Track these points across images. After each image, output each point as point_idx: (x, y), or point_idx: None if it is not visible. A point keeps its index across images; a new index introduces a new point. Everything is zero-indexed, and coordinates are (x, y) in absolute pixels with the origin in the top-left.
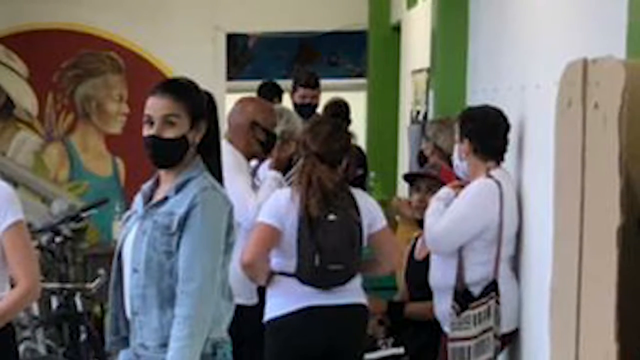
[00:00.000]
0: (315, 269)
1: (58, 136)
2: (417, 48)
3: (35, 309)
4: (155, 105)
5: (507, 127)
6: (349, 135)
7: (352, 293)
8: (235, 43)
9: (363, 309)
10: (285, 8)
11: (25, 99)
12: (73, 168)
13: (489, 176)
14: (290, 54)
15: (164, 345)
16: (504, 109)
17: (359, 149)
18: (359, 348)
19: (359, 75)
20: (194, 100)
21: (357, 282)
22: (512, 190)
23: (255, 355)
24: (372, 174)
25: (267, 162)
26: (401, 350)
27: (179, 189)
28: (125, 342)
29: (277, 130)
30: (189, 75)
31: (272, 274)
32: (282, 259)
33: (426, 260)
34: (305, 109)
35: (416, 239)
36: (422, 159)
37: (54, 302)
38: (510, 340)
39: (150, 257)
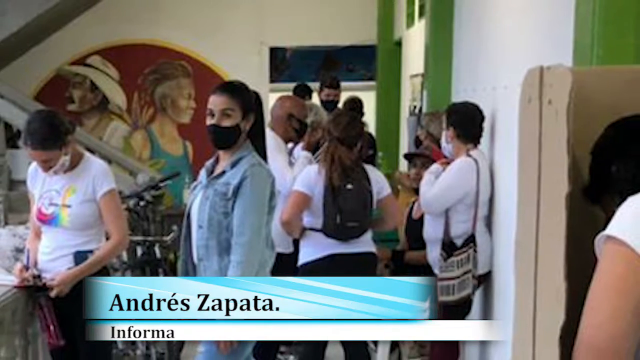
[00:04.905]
0: (337, 225)
1: (142, 125)
2: (414, 58)
3: (124, 256)
4: (216, 101)
5: (482, 118)
6: (362, 124)
7: (365, 244)
8: (276, 54)
9: (373, 256)
10: (314, 28)
11: (117, 97)
12: (153, 149)
13: (469, 155)
14: (318, 62)
15: None
16: (480, 104)
17: (370, 134)
18: None
19: (370, 79)
20: (245, 98)
21: (368, 235)
22: (486, 166)
23: None
24: (380, 154)
25: (300, 145)
26: None
27: (233, 165)
28: None
29: (308, 120)
30: (240, 78)
31: (304, 230)
32: (312, 218)
33: (421, 219)
34: (329, 105)
35: (413, 203)
36: (417, 142)
37: (139, 251)
38: (485, 280)
39: (211, 216)
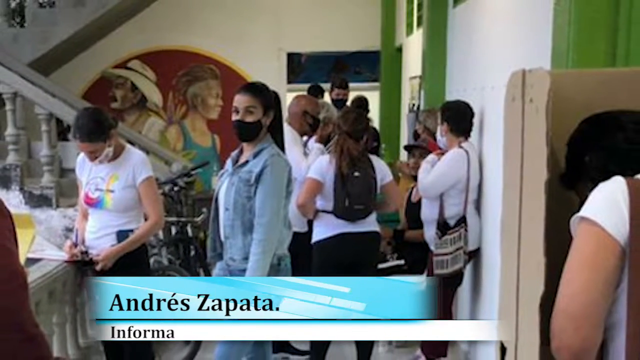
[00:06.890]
0: (345, 208)
1: (176, 120)
2: (413, 62)
3: (160, 234)
4: (240, 100)
5: (472, 115)
6: (368, 120)
7: (370, 224)
8: (293, 59)
9: (377, 234)
10: (326, 36)
11: (154, 96)
12: (186, 142)
13: (460, 147)
14: (329, 66)
15: (246, 258)
16: (470, 103)
17: (374, 129)
18: (374, 260)
19: (375, 80)
20: (266, 97)
21: (373, 216)
22: (476, 156)
23: (306, 265)
24: (383, 145)
25: (314, 138)
26: (402, 262)
27: (255, 155)
28: (220, 256)
29: (320, 116)
30: (261, 80)
31: (317, 212)
32: (324, 202)
33: (419, 202)
34: (339, 103)
35: (412, 188)
36: (416, 135)
37: (173, 230)
38: (474, 255)
39: (236, 200)
